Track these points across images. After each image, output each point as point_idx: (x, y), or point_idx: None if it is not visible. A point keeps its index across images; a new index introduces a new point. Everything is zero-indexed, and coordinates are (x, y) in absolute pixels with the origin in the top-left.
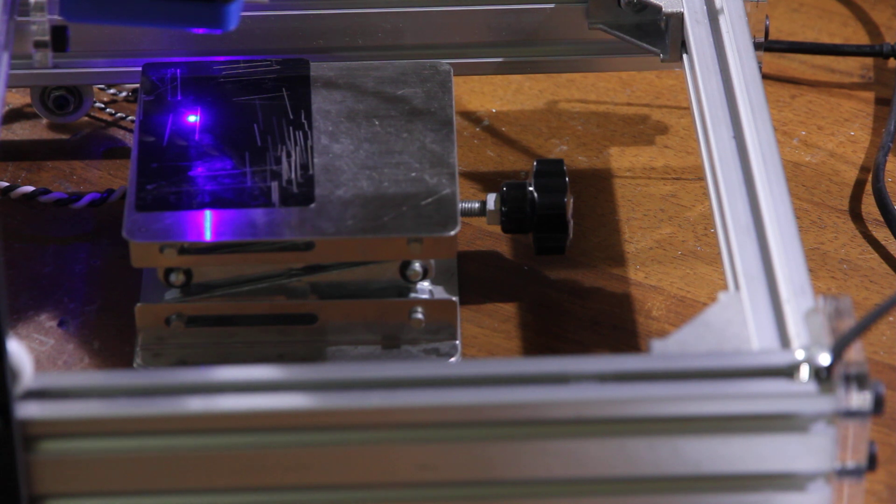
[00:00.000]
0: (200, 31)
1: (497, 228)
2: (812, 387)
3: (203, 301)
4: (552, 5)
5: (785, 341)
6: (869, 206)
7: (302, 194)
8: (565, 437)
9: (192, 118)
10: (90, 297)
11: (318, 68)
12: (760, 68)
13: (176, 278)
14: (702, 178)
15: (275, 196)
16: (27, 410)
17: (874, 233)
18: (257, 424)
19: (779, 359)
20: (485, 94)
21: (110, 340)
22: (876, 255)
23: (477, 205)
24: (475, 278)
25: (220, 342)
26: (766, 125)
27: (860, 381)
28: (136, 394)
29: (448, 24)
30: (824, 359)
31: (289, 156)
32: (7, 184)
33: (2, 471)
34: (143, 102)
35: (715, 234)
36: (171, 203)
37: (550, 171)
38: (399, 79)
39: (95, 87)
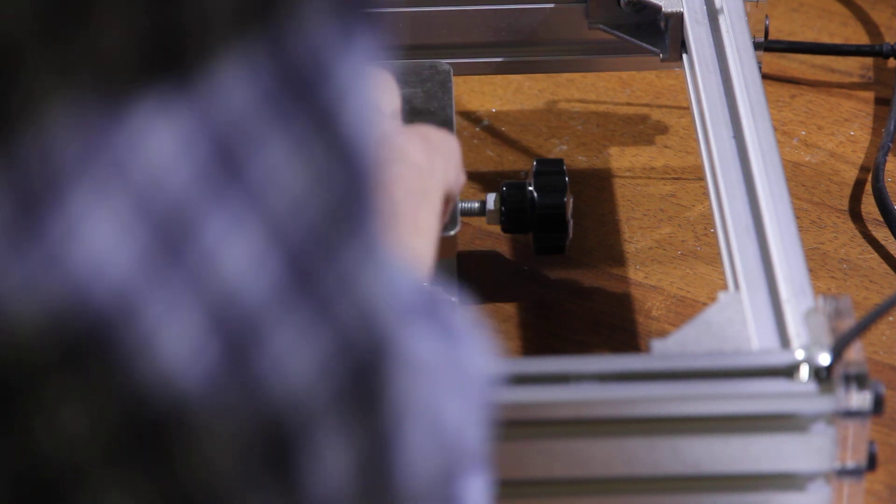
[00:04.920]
0: None
1: (497, 228)
2: (812, 387)
3: None
4: (552, 5)
5: (785, 341)
6: (869, 206)
7: None
8: (565, 437)
9: None
10: None
11: None
12: (760, 68)
13: None
14: (702, 178)
15: None
16: None
17: (874, 233)
18: None
19: (779, 359)
20: (485, 94)
21: None
22: (876, 255)
23: (477, 204)
24: (475, 278)
25: None
26: (765, 125)
27: (860, 381)
28: None
29: (448, 24)
30: (824, 359)
31: None
32: None
33: None
34: None
35: (715, 234)
36: None
37: (550, 170)
38: (399, 79)
39: None
